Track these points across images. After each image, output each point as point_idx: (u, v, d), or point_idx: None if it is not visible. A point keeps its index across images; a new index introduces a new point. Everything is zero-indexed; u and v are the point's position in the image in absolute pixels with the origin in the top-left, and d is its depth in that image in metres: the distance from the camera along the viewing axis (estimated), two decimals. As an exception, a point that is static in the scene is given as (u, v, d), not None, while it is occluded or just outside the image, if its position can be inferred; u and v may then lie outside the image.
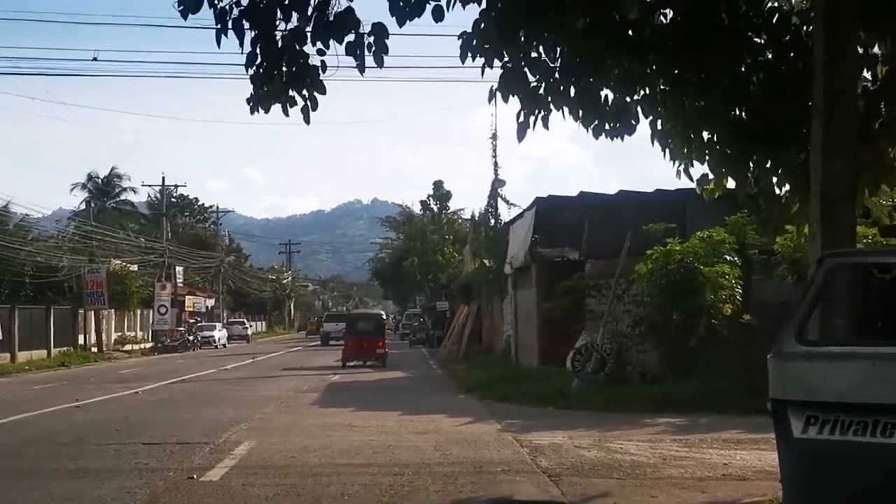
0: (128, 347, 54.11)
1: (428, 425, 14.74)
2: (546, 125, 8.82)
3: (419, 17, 7.68)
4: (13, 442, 13.45)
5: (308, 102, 8.72)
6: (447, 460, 11.13)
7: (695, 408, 15.47)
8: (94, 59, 47.09)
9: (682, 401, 15.99)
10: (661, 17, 8.95)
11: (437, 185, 72.48)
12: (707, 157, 9.36)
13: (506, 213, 36.26)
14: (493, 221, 37.12)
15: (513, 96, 8.71)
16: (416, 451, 11.88)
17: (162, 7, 11.65)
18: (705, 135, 9.25)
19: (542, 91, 8.72)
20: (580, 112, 8.94)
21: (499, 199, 37.18)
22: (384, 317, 45.86)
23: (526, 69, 8.61)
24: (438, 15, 7.86)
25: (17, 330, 39.13)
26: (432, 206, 72.13)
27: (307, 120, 8.85)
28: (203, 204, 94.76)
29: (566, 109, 8.88)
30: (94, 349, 48.28)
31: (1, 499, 8.99)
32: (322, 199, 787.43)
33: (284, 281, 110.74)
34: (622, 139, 9.20)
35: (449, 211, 72.68)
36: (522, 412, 16.50)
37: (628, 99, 9.12)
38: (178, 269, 66.73)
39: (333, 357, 40.41)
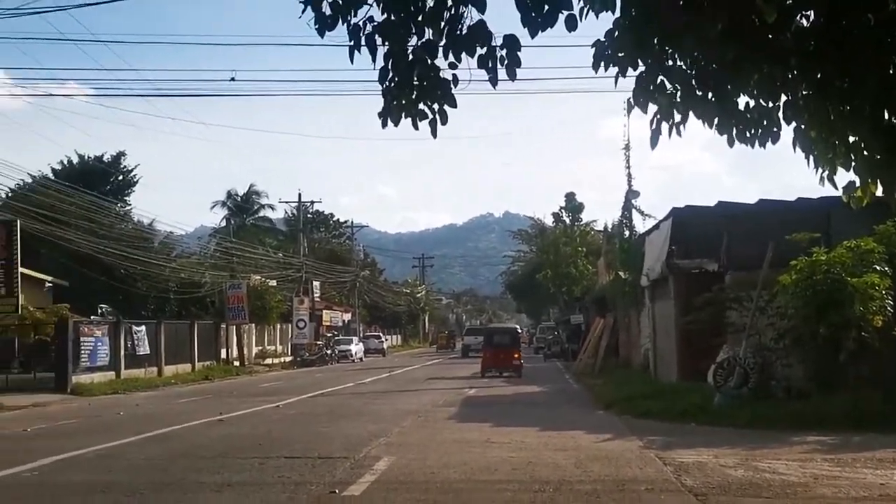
0: (268, 361, 55.34)
1: (567, 441, 14.53)
2: (680, 133, 8.60)
3: (552, 27, 7.56)
4: (161, 455, 13.79)
5: (437, 116, 8.72)
6: (588, 478, 10.92)
7: (845, 425, 14.84)
8: (232, 79, 48.44)
9: (832, 417, 15.37)
10: (803, 20, 8.63)
11: (569, 196, 72.04)
12: (853, 163, 8.93)
13: (640, 225, 35.73)
14: (627, 233, 36.58)
15: (651, 104, 8.50)
16: (556, 468, 11.70)
17: (296, 26, 11.77)
18: (851, 139, 8.85)
19: (678, 98, 8.49)
20: (717, 119, 8.68)
21: (633, 211, 36.63)
22: (519, 330, 47.04)
23: (661, 77, 8.39)
24: (571, 24, 7.70)
25: (164, 344, 40.38)
26: (564, 217, 71.71)
27: (434, 134, 8.83)
28: (338, 219, 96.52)
29: (703, 117, 8.63)
30: (236, 363, 49.58)
31: (151, 511, 9.19)
32: (454, 213, 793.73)
33: (418, 294, 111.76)
34: (763, 147, 8.90)
35: (581, 223, 72.13)
36: (664, 428, 16.12)
37: (770, 105, 8.80)
38: (316, 283, 68.02)
39: (468, 370, 40.55)
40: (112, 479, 11.44)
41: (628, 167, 36.47)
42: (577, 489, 10.13)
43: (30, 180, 46.02)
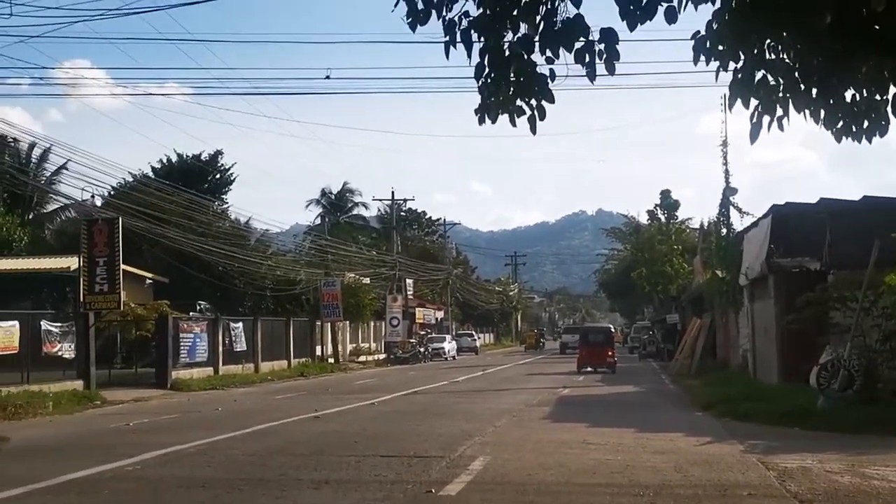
0: (362, 358, 55.79)
1: (666, 444, 14.26)
2: (781, 127, 8.34)
3: (651, 20, 7.39)
4: (259, 451, 13.93)
5: (535, 112, 8.60)
6: (688, 482, 10.68)
7: (957, 430, 14.32)
8: (327, 77, 48.99)
9: (944, 422, 14.84)
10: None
11: (665, 194, 71.04)
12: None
13: (738, 222, 35.02)
14: (724, 230, 35.90)
15: (752, 99, 8.26)
16: (655, 471, 11.48)
17: (391, 23, 11.77)
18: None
19: (780, 93, 8.23)
20: (823, 113, 8.39)
21: (730, 208, 35.92)
22: (612, 330, 49.56)
23: (763, 70, 8.14)
24: (671, 17, 7.51)
25: (260, 341, 40.97)
26: (660, 215, 70.77)
27: (534, 130, 8.71)
28: (430, 217, 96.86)
29: (806, 112, 8.35)
30: (331, 360, 50.10)
31: (249, 508, 9.25)
32: (546, 211, 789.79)
33: (511, 293, 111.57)
34: (870, 141, 8.59)
35: (677, 220, 71.12)
36: (765, 432, 15.71)
37: (878, 97, 8.48)
38: (409, 281, 68.37)
39: (562, 369, 40.35)
40: (212, 475, 11.59)
41: (725, 164, 35.78)
42: (678, 493, 9.91)
43: (131, 179, 47.10)
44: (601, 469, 11.71)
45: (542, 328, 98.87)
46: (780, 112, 8.36)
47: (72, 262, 32.39)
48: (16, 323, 25.30)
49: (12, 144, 47.61)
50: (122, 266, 29.08)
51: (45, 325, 26.93)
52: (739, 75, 8.04)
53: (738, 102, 8.43)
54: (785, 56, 8.09)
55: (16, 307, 30.46)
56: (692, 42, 7.92)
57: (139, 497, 10.10)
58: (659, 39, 63.44)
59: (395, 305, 61.49)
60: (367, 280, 58.72)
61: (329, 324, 51.36)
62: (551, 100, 8.72)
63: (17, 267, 37.38)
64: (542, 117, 8.70)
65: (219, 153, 57.61)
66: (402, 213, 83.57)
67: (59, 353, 27.15)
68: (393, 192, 71.88)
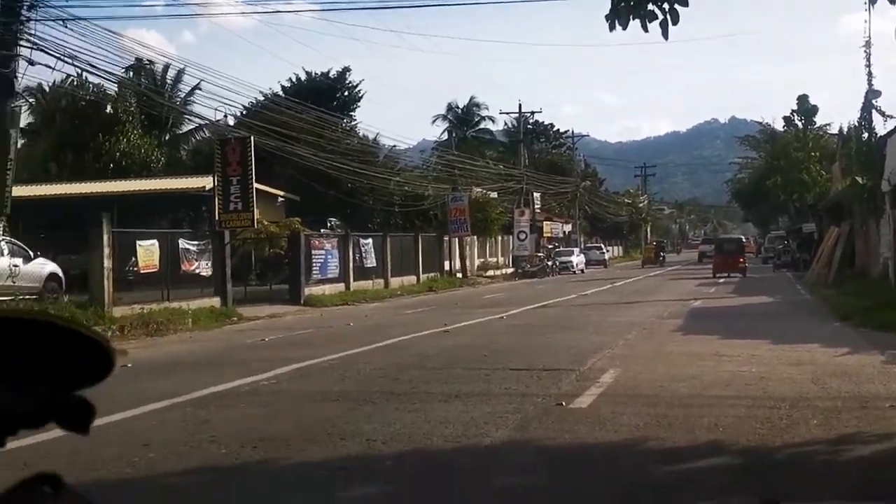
0: (489, 273, 55.97)
1: (802, 356, 13.89)
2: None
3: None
4: (390, 364, 14.13)
5: (668, 16, 8.27)
6: (826, 394, 10.39)
7: None
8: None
9: None
10: None
11: (802, 99, 68.35)
12: None
13: (881, 127, 33.49)
14: (866, 135, 34.41)
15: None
16: (791, 383, 11.21)
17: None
18: None
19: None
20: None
21: (873, 111, 34.35)
22: (743, 240, 58.15)
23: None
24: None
25: (390, 257, 41.43)
26: (796, 121, 68.27)
27: (665, 35, 8.38)
28: (558, 129, 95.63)
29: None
30: (459, 275, 50.41)
31: (382, 419, 9.39)
32: (677, 120, 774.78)
33: (640, 205, 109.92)
34: None
35: (814, 126, 68.53)
36: (907, 342, 15.16)
37: None
38: (536, 195, 67.96)
39: (694, 283, 39.78)
40: (344, 388, 11.81)
41: (868, 65, 34.09)
42: (816, 406, 9.65)
43: (261, 98, 47.78)
44: (735, 381, 11.50)
45: (663, 240, 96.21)
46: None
47: (207, 182, 33.18)
48: (155, 241, 26.12)
49: (148, 67, 48.82)
50: (255, 184, 29.61)
51: (182, 243, 27.73)
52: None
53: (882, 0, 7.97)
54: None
55: (154, 226, 31.52)
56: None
57: (275, 409, 10.36)
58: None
59: (523, 219, 61.26)
60: (494, 194, 58.56)
61: (457, 239, 51.55)
62: (685, 2, 8.37)
63: (155, 187, 38.54)
64: (675, 21, 8.36)
65: (346, 70, 57.93)
66: (529, 126, 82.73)
67: (197, 271, 27.96)
68: (520, 105, 71.13)
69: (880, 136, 31.77)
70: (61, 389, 1.31)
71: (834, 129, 61.51)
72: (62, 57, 25.13)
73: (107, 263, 23.02)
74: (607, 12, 8.38)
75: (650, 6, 8.17)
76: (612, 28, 8.15)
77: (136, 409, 10.03)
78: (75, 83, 44.29)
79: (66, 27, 25.26)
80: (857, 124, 36.09)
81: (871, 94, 33.91)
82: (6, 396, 1.24)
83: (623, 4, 8.29)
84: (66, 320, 1.30)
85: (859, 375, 11.67)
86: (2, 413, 1.25)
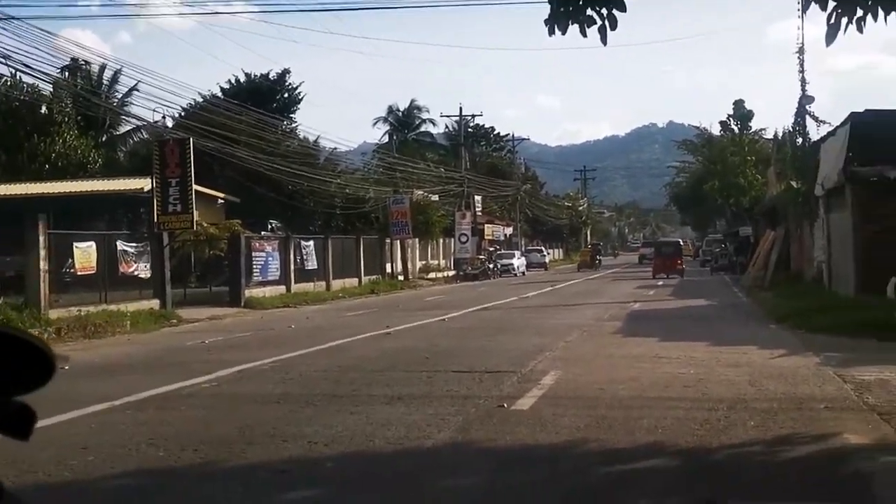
0: (431, 275, 56.02)
1: (739, 357, 14.11)
2: (860, 29, 8.00)
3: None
4: (332, 367, 14.10)
5: (606, 21, 8.35)
6: (764, 395, 10.56)
7: None
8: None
9: None
10: None
11: (738, 104, 69.41)
12: None
13: (814, 132, 34.09)
14: (800, 140, 35.00)
15: (830, 1, 7.93)
16: (729, 385, 11.37)
17: (461, -65, 11.45)
18: None
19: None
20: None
21: (806, 117, 34.94)
22: (681, 243, 62.35)
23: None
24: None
25: (331, 259, 41.30)
26: (733, 126, 69.28)
27: (604, 40, 8.46)
28: (498, 133, 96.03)
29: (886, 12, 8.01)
30: (401, 277, 50.41)
31: (324, 422, 9.37)
32: (616, 124, 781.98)
33: (580, 208, 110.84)
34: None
35: (750, 131, 69.57)
36: (841, 344, 15.40)
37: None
38: (477, 198, 68.15)
39: (632, 285, 40.20)
40: (286, 391, 11.76)
41: (802, 71, 34.66)
42: (753, 407, 9.80)
43: (200, 99, 47.33)
44: (674, 383, 11.64)
45: (599, 243, 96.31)
46: (859, 13, 8.03)
47: (145, 183, 32.81)
48: (93, 243, 25.79)
49: (84, 67, 48.11)
50: (195, 186, 29.36)
51: (120, 245, 27.41)
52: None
53: (814, 6, 8.12)
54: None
55: (92, 228, 31.09)
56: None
57: (216, 412, 10.28)
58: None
59: (464, 222, 61.44)
60: (435, 197, 58.67)
61: (398, 241, 51.56)
62: (622, 8, 8.45)
63: (92, 188, 37.96)
64: (614, 27, 8.44)
65: (286, 72, 57.61)
66: (470, 130, 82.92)
67: (135, 273, 27.66)
68: (461, 108, 71.24)
69: (814, 142, 32.35)
70: (1, 394, 1.29)
71: (769, 134, 62.51)
72: (-6, 57, 24.72)
73: (43, 265, 22.68)
74: (546, 17, 8.43)
75: (589, 11, 8.24)
76: (551, 33, 8.21)
77: (74, 412, 9.89)
78: (8, 83, 43.52)
79: (-1, 27, 24.86)
80: (791, 129, 36.68)
81: (805, 99, 34.49)
82: None
83: (562, 10, 8.35)
84: (4, 325, 1.29)
85: (795, 377, 11.87)
86: None
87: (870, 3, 7.95)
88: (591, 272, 62.99)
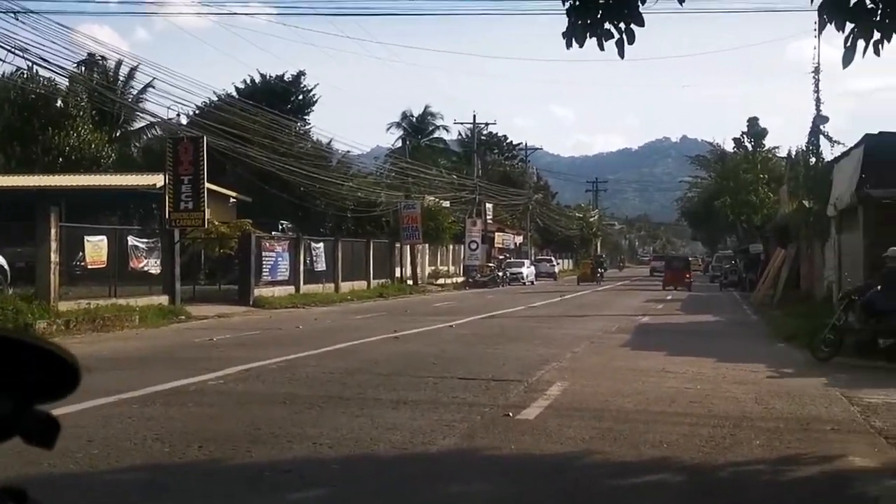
0: (440, 281, 56.03)
1: (746, 375, 14.09)
2: (877, 52, 8.00)
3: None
4: (339, 369, 14.11)
5: (624, 35, 8.36)
6: (770, 414, 10.54)
7: None
8: None
9: None
10: None
11: (752, 121, 69.46)
12: None
13: (827, 152, 34.03)
14: (813, 160, 34.94)
15: (848, 22, 7.93)
16: (735, 402, 11.36)
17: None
18: None
19: (877, 17, 7.90)
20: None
21: (820, 136, 34.87)
22: (690, 258, 69.01)
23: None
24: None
25: (341, 261, 41.34)
26: (746, 143, 69.26)
27: (622, 54, 8.47)
28: (511, 141, 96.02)
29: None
30: (409, 282, 50.43)
31: (330, 424, 9.38)
32: (629, 137, 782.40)
33: (591, 219, 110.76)
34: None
35: (764, 149, 69.52)
36: (849, 365, 15.36)
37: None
38: (488, 205, 68.21)
39: (641, 298, 40.14)
40: (292, 391, 11.77)
41: (817, 91, 34.63)
42: (758, 426, 9.79)
43: (215, 98, 47.45)
44: (680, 398, 11.63)
45: (602, 255, 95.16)
46: (877, 36, 8.03)
47: (158, 180, 32.87)
48: (104, 238, 25.87)
49: (101, 62, 48.28)
50: (207, 184, 29.43)
51: (131, 240, 27.49)
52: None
53: (829, 27, 8.12)
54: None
55: (104, 223, 31.22)
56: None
57: (223, 410, 10.30)
58: (752, -39, 61.55)
59: (475, 229, 61.46)
60: (446, 203, 58.67)
61: (408, 246, 51.59)
62: (641, 23, 8.46)
63: (105, 183, 38.10)
64: (631, 41, 8.46)
65: (301, 74, 57.72)
66: (483, 137, 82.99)
67: (146, 269, 27.73)
68: (474, 116, 71.58)
69: (827, 162, 32.29)
70: (26, 404, 1.31)
71: (783, 153, 62.47)
72: (12, 49, 24.84)
73: (53, 257, 22.74)
74: (564, 30, 8.45)
75: (607, 25, 8.26)
76: (569, 46, 8.23)
77: (80, 405, 9.88)
78: (25, 76, 43.71)
79: (18, 20, 24.97)
80: (804, 148, 36.61)
81: (819, 119, 34.43)
82: None
83: (580, 23, 8.37)
84: (34, 337, 1.31)
85: (802, 397, 11.84)
86: None
87: (887, 21, 7.95)
88: (594, 285, 62.02)
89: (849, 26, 7.85)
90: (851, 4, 7.72)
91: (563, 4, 8.18)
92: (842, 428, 9.79)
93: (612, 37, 8.36)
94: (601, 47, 8.43)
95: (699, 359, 16.12)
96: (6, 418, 1.27)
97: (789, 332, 21.60)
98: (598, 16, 8.28)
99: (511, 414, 10.20)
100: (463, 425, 9.52)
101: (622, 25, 8.23)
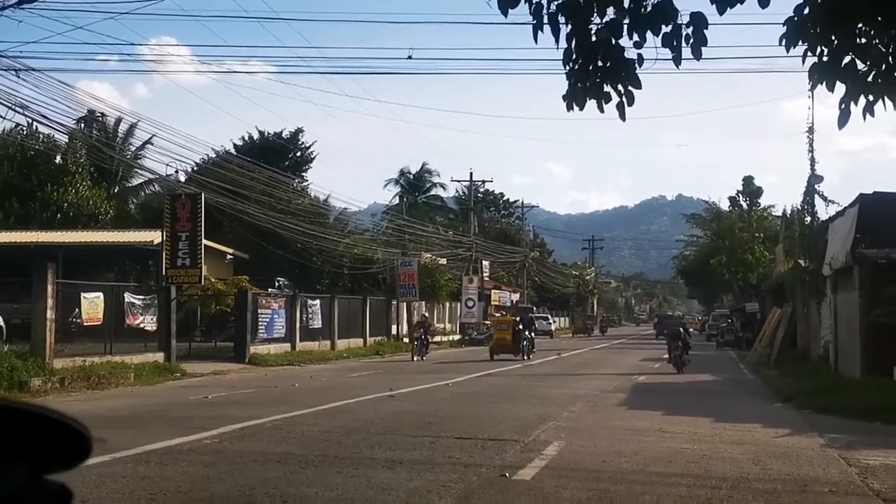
0: (437, 339, 55.83)
1: (743, 435, 14.04)
2: (871, 113, 8.10)
3: (741, 3, 7.24)
4: (334, 428, 14.04)
5: (623, 98, 8.47)
6: (767, 476, 10.49)
7: None
8: (409, 56, 48.43)
9: None
10: None
11: (748, 180, 69.82)
12: None
13: (822, 211, 34.24)
14: (809, 219, 35.14)
15: (839, 84, 8.03)
16: (732, 463, 11.31)
17: (477, 4, 11.71)
18: None
19: (870, 78, 8.00)
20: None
21: (815, 196, 35.10)
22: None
23: (852, 55, 7.90)
24: (764, 0, 7.35)
25: (337, 318, 41.29)
26: (742, 202, 69.62)
27: (622, 116, 8.57)
28: (508, 199, 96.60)
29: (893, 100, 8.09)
30: (406, 339, 50.28)
31: (325, 484, 9.34)
32: (625, 195, 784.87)
33: (587, 277, 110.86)
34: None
35: (759, 207, 69.89)
36: (846, 426, 15.34)
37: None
38: (485, 263, 68.27)
39: (637, 357, 40.08)
40: (287, 450, 11.71)
41: (811, 150, 34.96)
42: (756, 488, 9.74)
43: (213, 155, 47.74)
44: (677, 458, 11.57)
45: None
46: (870, 98, 8.13)
47: (155, 236, 32.98)
48: (100, 294, 25.86)
49: (100, 119, 48.64)
50: (204, 241, 29.50)
51: (128, 297, 27.48)
52: (825, 59, 7.84)
53: (821, 87, 8.24)
54: (878, 41, 7.86)
55: (100, 279, 31.23)
56: (782, 27, 7.78)
57: (218, 469, 10.24)
58: (746, 23, 62.32)
59: (471, 286, 61.46)
60: (443, 261, 58.78)
61: (405, 303, 51.56)
62: (638, 85, 8.58)
63: (103, 239, 38.22)
64: (631, 103, 8.56)
65: (299, 131, 58.21)
66: (480, 195, 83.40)
67: (142, 326, 27.68)
68: (471, 174, 71.77)
69: (822, 221, 32.47)
70: (38, 473, 1.32)
71: (778, 211, 62.90)
72: (13, 106, 25.04)
73: (49, 314, 22.70)
74: (564, 92, 8.56)
75: (606, 88, 8.37)
76: (569, 108, 8.32)
77: (75, 465, 9.85)
78: (25, 133, 44.01)
79: (19, 77, 25.19)
80: (800, 208, 36.87)
81: (814, 178, 34.71)
82: None
83: (580, 86, 8.47)
84: (46, 409, 1.33)
85: (799, 458, 11.79)
86: None
87: (877, 86, 8.06)
88: (594, 340, 62.71)
89: (840, 88, 7.95)
90: (843, 66, 7.83)
91: (564, 68, 8.29)
92: (840, 490, 9.74)
93: (612, 99, 8.46)
94: (601, 109, 8.53)
95: (696, 418, 16.07)
96: (19, 489, 1.29)
97: (786, 392, 21.58)
98: (597, 78, 8.37)
99: (507, 474, 10.14)
100: (459, 486, 9.47)
101: (621, 88, 8.31)
